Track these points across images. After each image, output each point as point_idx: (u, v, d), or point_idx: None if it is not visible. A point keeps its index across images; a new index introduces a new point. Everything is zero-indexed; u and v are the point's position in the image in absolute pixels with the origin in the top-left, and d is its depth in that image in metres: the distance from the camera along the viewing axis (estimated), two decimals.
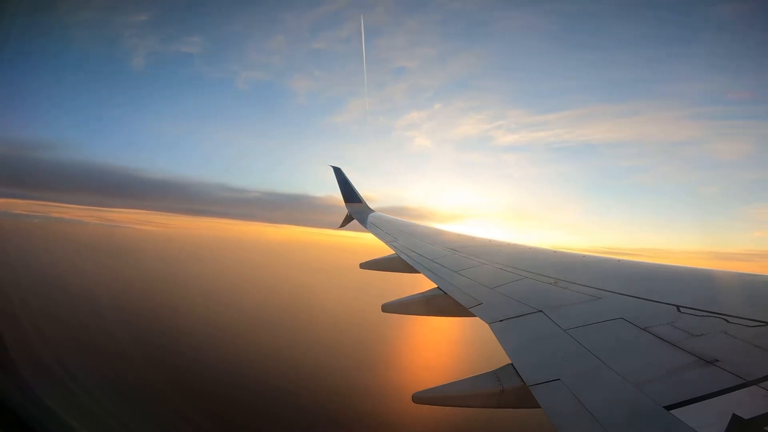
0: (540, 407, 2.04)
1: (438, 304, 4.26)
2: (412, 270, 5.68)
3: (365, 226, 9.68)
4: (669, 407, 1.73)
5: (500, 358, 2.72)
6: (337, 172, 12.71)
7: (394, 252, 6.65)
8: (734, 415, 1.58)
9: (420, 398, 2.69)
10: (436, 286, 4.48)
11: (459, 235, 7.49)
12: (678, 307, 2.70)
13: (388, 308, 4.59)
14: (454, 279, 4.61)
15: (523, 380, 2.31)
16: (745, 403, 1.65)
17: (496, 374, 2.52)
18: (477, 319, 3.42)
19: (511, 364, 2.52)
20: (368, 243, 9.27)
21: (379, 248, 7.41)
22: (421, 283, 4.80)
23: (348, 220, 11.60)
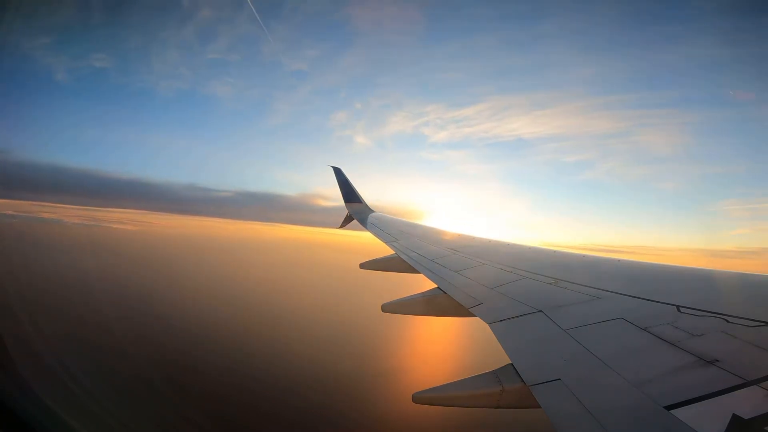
0: (540, 407, 2.04)
1: (438, 304, 4.26)
2: (412, 270, 5.68)
3: (365, 226, 9.68)
4: (669, 407, 1.73)
5: (500, 358, 2.72)
6: (337, 172, 12.72)
7: (394, 252, 6.65)
8: (734, 415, 1.58)
9: (420, 398, 2.69)
10: (436, 286, 4.48)
11: (459, 235, 7.49)
12: (678, 307, 2.70)
13: (388, 308, 4.59)
14: (454, 279, 4.61)
15: (523, 380, 2.31)
16: (745, 403, 1.65)
17: (496, 374, 2.52)
18: (477, 319, 3.42)
19: (511, 364, 2.52)
20: (368, 243, 9.28)
21: (379, 248, 7.42)
22: (421, 283, 4.80)
23: (348, 219, 11.60)
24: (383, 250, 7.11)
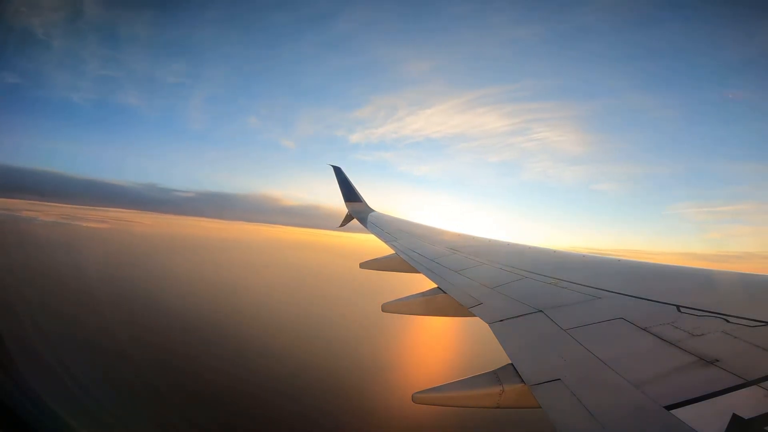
0: (540, 407, 2.04)
1: (438, 304, 4.26)
2: (412, 270, 5.68)
3: (365, 226, 9.68)
4: (669, 407, 1.73)
5: (500, 358, 2.72)
6: (337, 171, 12.73)
7: (394, 251, 6.65)
8: (734, 415, 1.58)
9: (420, 398, 2.69)
10: (436, 285, 4.48)
11: (459, 235, 7.49)
12: (678, 307, 2.70)
13: (388, 308, 4.59)
14: (454, 279, 4.61)
15: (523, 380, 2.31)
16: (745, 403, 1.65)
17: (496, 374, 2.52)
18: (477, 319, 3.42)
19: (511, 364, 2.52)
20: (368, 243, 9.28)
21: (379, 248, 7.42)
22: (421, 283, 4.80)
23: (348, 219, 11.60)
24: (383, 249, 7.11)
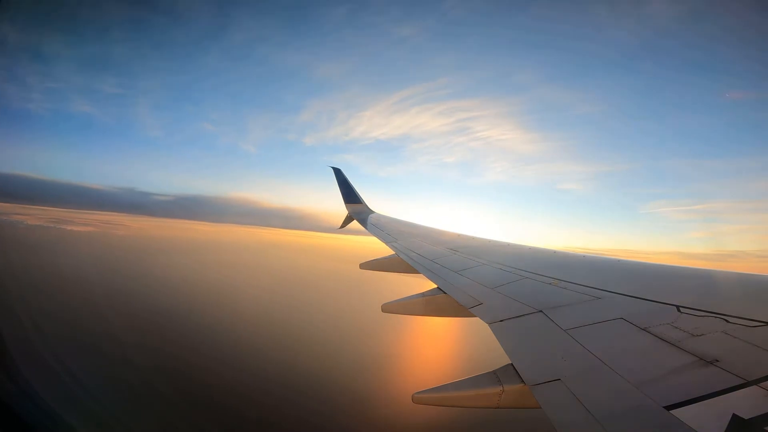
0: (540, 407, 2.04)
1: (438, 304, 4.26)
2: (412, 270, 5.68)
3: (365, 227, 9.68)
4: (669, 407, 1.73)
5: (500, 358, 2.72)
6: (337, 172, 12.72)
7: (394, 252, 6.65)
8: (734, 415, 1.58)
9: (420, 398, 2.69)
10: (436, 286, 4.48)
11: (459, 235, 7.49)
12: (678, 307, 2.70)
13: (388, 308, 4.59)
14: (454, 279, 4.61)
15: (523, 380, 2.31)
16: (745, 403, 1.65)
17: (496, 374, 2.52)
18: (477, 319, 3.42)
19: (511, 364, 2.52)
20: (368, 243, 9.28)
21: (379, 248, 7.42)
22: (421, 283, 4.80)
23: (348, 220, 11.60)
24: (383, 250, 7.12)
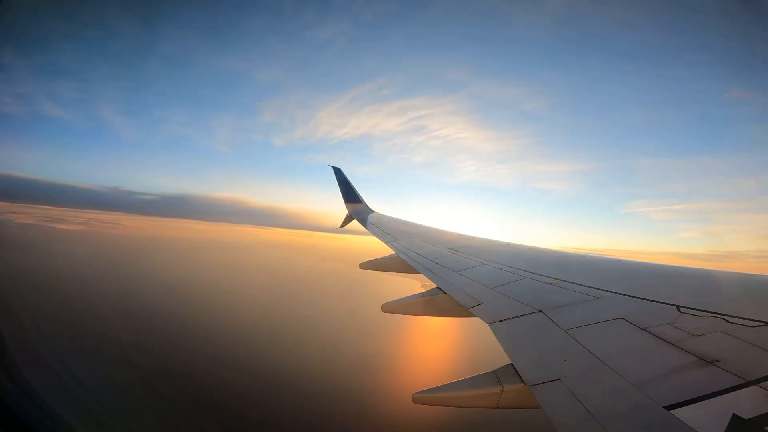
0: (540, 407, 2.04)
1: (438, 304, 4.26)
2: (412, 270, 5.68)
3: (365, 226, 9.68)
4: (669, 407, 1.73)
5: (500, 358, 2.72)
6: (337, 172, 12.71)
7: (394, 252, 6.65)
8: (734, 415, 1.58)
9: (420, 398, 2.69)
10: (436, 286, 4.48)
11: (459, 235, 7.49)
12: (678, 307, 2.70)
13: (388, 308, 4.59)
14: (454, 279, 4.61)
15: (523, 380, 2.31)
16: (745, 403, 1.65)
17: (496, 374, 2.52)
18: (477, 319, 3.42)
19: (511, 364, 2.52)
20: (368, 243, 9.28)
21: (379, 248, 7.42)
22: (421, 283, 4.81)
23: (348, 220, 11.60)
24: (383, 250, 7.12)
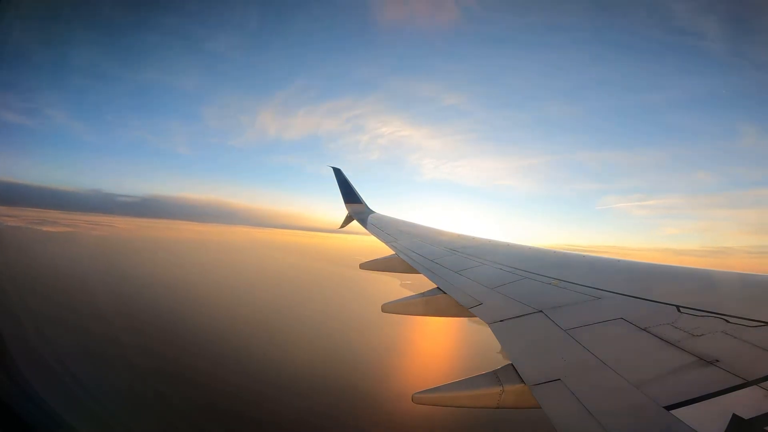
0: (540, 407, 2.04)
1: (438, 304, 4.26)
2: (412, 270, 5.68)
3: (365, 227, 9.67)
4: (669, 407, 1.73)
5: (500, 358, 2.72)
6: (337, 172, 12.70)
7: (394, 252, 6.65)
8: (734, 415, 1.58)
9: (420, 398, 2.69)
10: (436, 286, 4.48)
11: (459, 235, 7.49)
12: (678, 307, 2.70)
13: (388, 308, 4.59)
14: (454, 279, 4.61)
15: (523, 380, 2.31)
16: (745, 403, 1.65)
17: (496, 374, 2.52)
18: (477, 319, 3.42)
19: (511, 364, 2.52)
20: (368, 243, 9.28)
21: (379, 248, 7.42)
22: (421, 283, 4.81)
23: (348, 220, 11.60)
24: (383, 250, 7.12)
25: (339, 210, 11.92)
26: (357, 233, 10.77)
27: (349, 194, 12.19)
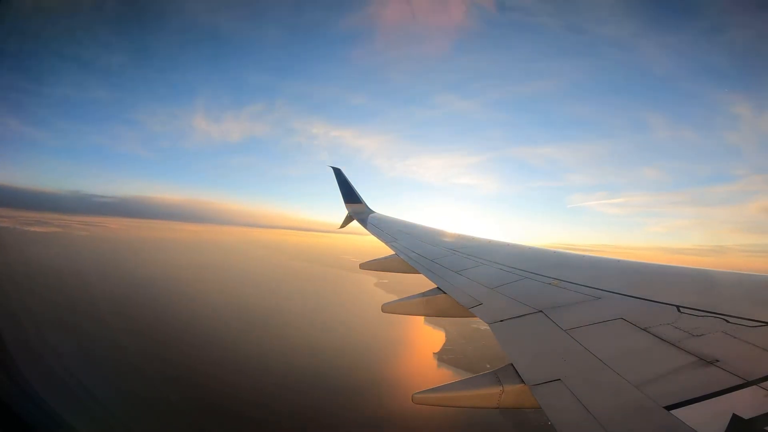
0: (540, 407, 2.04)
1: (438, 304, 4.26)
2: (412, 270, 5.68)
3: (365, 227, 9.67)
4: (669, 407, 1.73)
5: (500, 358, 2.72)
6: (337, 172, 12.69)
7: (394, 252, 6.65)
8: (734, 415, 1.58)
9: (420, 398, 2.69)
10: (436, 286, 4.48)
11: (459, 235, 7.49)
12: (678, 307, 2.70)
13: (388, 308, 4.59)
14: (454, 279, 4.61)
15: (523, 380, 2.31)
16: (745, 403, 1.65)
17: (496, 374, 2.52)
18: (477, 319, 3.43)
19: (511, 364, 2.52)
20: (368, 243, 9.28)
21: (379, 248, 7.42)
22: (421, 283, 4.80)
23: (348, 220, 11.59)
24: (383, 250, 7.12)
25: (339, 210, 11.90)
26: (357, 233, 10.78)
27: (349, 194, 12.18)
